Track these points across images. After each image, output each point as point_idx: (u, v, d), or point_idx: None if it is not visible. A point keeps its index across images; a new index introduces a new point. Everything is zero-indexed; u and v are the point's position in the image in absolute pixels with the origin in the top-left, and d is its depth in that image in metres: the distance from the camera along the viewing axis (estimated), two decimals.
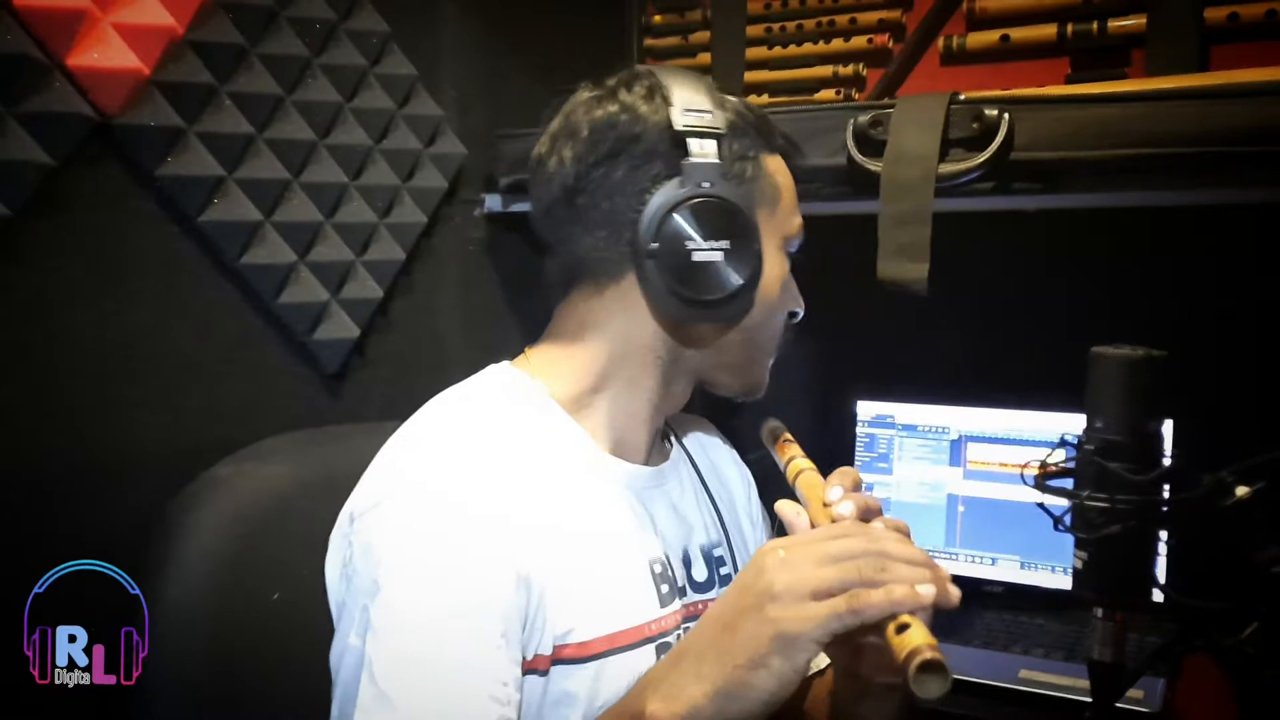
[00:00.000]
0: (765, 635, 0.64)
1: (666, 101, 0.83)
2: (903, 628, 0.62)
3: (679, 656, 0.70)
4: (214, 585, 0.91)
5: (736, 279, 0.82)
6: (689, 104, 0.83)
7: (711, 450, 1.05)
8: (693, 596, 0.88)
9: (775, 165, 0.88)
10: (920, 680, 0.58)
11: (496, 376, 0.88)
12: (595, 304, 0.86)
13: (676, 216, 0.80)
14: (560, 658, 0.77)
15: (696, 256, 0.80)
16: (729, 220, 0.81)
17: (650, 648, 0.82)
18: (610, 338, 0.86)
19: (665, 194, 0.80)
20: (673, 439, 0.99)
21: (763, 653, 0.64)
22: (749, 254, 0.82)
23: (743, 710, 0.65)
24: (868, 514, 0.78)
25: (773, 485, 0.91)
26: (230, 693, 0.90)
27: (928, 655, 0.57)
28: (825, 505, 0.77)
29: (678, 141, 0.81)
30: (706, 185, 0.81)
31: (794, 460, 0.87)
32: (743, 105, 0.88)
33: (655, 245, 0.80)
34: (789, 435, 0.92)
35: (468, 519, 0.74)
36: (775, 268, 0.87)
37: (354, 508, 0.79)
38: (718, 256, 0.81)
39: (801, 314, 0.93)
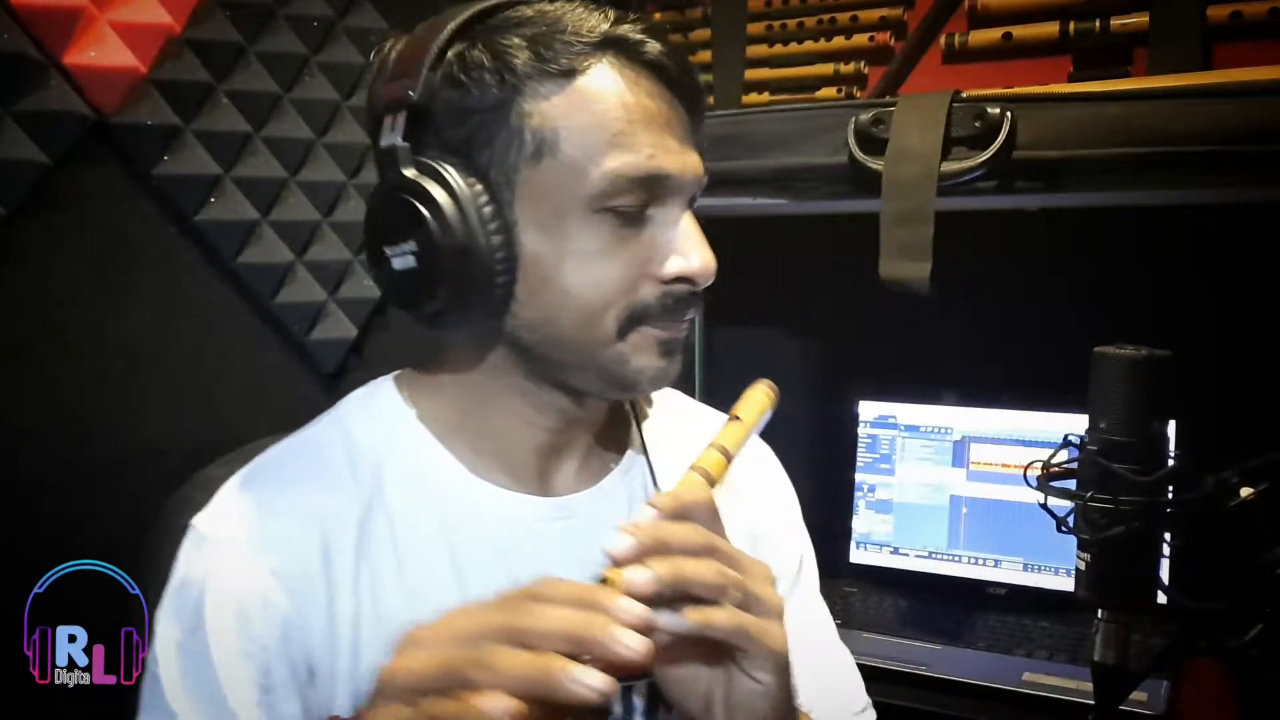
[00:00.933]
0: None
1: (380, 71, 0.70)
2: None
3: None
4: None
5: (435, 291, 0.67)
6: (397, 68, 0.69)
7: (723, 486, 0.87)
8: None
9: (551, 102, 0.66)
10: None
11: (363, 401, 0.78)
12: None
13: (366, 219, 0.70)
14: None
15: (396, 264, 0.68)
16: (408, 218, 0.66)
17: None
18: (441, 353, 0.77)
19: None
20: (636, 460, 0.82)
21: None
22: (445, 253, 0.66)
23: None
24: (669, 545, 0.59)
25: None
26: None
27: None
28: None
29: (374, 124, 0.69)
30: (389, 177, 0.67)
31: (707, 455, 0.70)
32: (492, 39, 0.67)
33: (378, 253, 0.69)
34: (739, 415, 0.74)
35: (242, 589, 0.67)
36: (562, 241, 0.67)
37: None
38: (409, 262, 0.67)
39: (693, 276, 0.70)
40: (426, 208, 0.65)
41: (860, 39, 1.55)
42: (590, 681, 0.49)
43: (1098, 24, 1.36)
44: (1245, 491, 0.66)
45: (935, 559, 1.46)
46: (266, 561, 0.67)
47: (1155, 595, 0.70)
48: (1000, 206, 1.14)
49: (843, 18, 1.56)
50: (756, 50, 1.60)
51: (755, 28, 1.60)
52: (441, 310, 0.68)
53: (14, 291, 0.96)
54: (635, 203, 0.68)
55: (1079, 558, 0.70)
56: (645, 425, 0.85)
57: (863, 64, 1.55)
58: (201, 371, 1.11)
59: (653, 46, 0.68)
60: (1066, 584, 1.35)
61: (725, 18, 1.53)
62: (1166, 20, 1.28)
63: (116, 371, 1.04)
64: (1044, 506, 0.72)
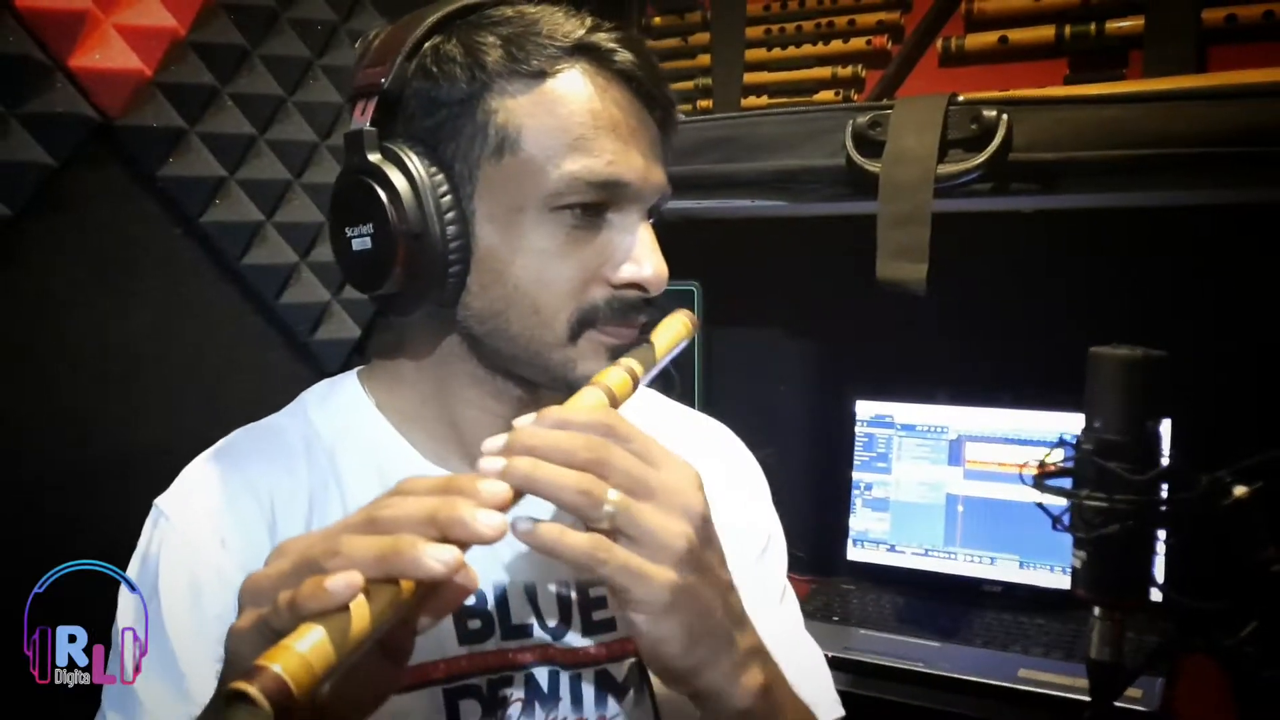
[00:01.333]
0: None
1: (360, 63, 0.72)
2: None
3: None
4: None
5: (387, 272, 0.67)
6: (374, 57, 0.70)
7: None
8: (540, 638, 0.74)
9: (518, 101, 0.67)
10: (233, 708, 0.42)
11: (324, 391, 0.80)
12: None
13: (331, 199, 0.71)
14: None
15: (355, 245, 0.69)
16: (367, 200, 0.67)
17: (435, 691, 0.70)
18: (399, 339, 0.77)
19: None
20: None
21: None
22: (400, 238, 0.66)
23: None
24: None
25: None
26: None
27: (237, 684, 0.42)
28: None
29: (351, 109, 0.70)
30: (354, 160, 0.68)
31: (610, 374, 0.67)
32: (468, 35, 0.68)
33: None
34: (653, 339, 0.71)
35: (192, 558, 0.69)
36: (517, 237, 0.68)
37: None
38: (366, 244, 0.68)
39: (645, 284, 0.70)
40: (385, 192, 0.66)
41: (858, 42, 1.55)
42: (441, 555, 0.48)
43: (1093, 27, 1.37)
44: (1239, 490, 0.66)
45: (932, 557, 1.47)
46: (217, 534, 0.69)
47: (1150, 593, 0.71)
48: (996, 208, 1.14)
49: (840, 21, 1.57)
50: (755, 54, 1.61)
51: (754, 31, 1.60)
52: (394, 294, 0.69)
53: (18, 292, 0.96)
54: (592, 202, 0.68)
55: (1074, 556, 0.71)
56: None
57: (860, 67, 1.55)
58: (205, 372, 1.11)
59: (624, 56, 0.69)
60: (1062, 581, 1.36)
61: (724, 21, 1.54)
62: (1161, 23, 1.28)
63: (119, 372, 1.04)
64: (1040, 505, 0.73)
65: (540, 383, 0.73)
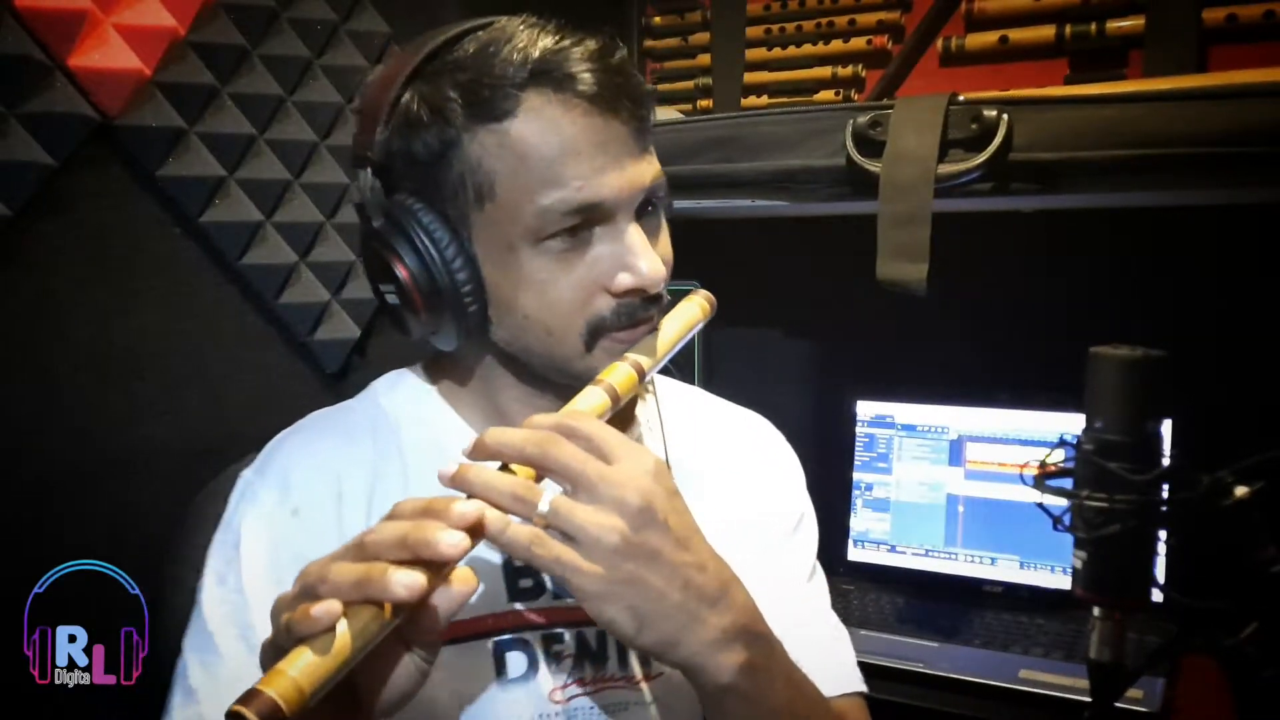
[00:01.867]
0: None
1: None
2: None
3: None
4: None
5: (419, 319, 0.75)
6: (360, 121, 0.75)
7: (725, 452, 0.92)
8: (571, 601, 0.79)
9: (485, 148, 0.71)
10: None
11: (391, 380, 0.87)
12: None
13: (363, 260, 0.79)
14: None
15: (388, 299, 0.76)
16: (384, 262, 0.74)
17: (485, 644, 0.76)
18: (450, 356, 0.84)
19: None
20: (651, 435, 0.87)
21: None
22: (414, 294, 0.73)
23: None
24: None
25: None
26: None
27: (235, 707, 0.49)
28: None
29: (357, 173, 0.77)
30: (364, 227, 0.76)
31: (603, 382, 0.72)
32: (432, 92, 0.72)
33: None
34: (660, 326, 0.76)
35: (277, 525, 0.77)
36: (515, 272, 0.73)
37: None
38: (394, 298, 0.75)
39: (642, 286, 0.73)
40: (395, 257, 0.73)
41: (858, 42, 1.55)
42: (404, 580, 0.55)
43: (1094, 27, 1.37)
44: (1240, 490, 0.66)
45: (932, 557, 1.47)
46: (290, 504, 0.77)
47: (1151, 593, 0.71)
48: (997, 208, 1.14)
49: (841, 21, 1.57)
50: (755, 54, 1.61)
51: (754, 31, 1.60)
52: (430, 333, 0.77)
53: (18, 292, 0.96)
54: (572, 226, 0.72)
55: (1075, 556, 0.71)
56: (660, 405, 0.90)
57: (860, 67, 1.55)
58: (205, 372, 1.11)
59: (581, 77, 0.70)
60: (1063, 582, 1.36)
61: (724, 21, 1.54)
62: (1162, 23, 1.28)
63: (120, 372, 1.04)
64: (1040, 505, 0.73)
65: (574, 387, 0.75)
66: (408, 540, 0.56)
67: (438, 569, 0.57)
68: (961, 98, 1.08)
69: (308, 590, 0.56)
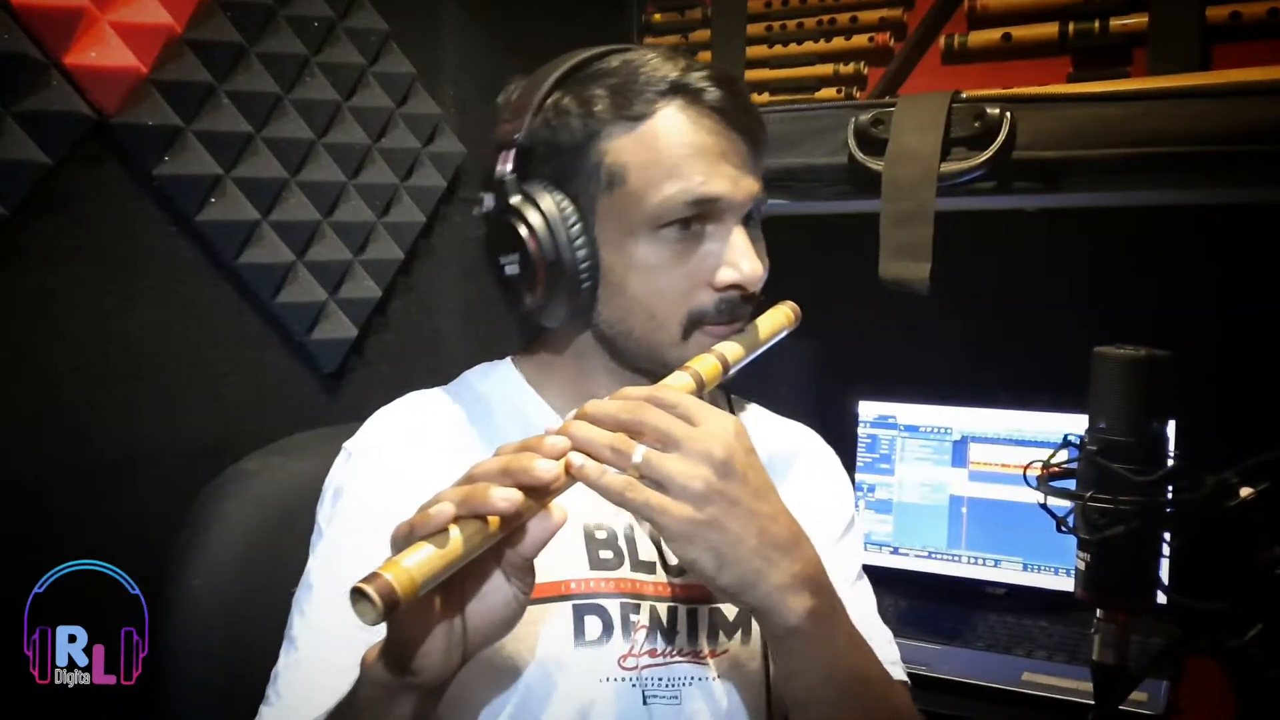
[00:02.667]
0: None
1: (501, 111, 0.87)
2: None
3: None
4: (236, 575, 0.94)
5: (534, 291, 0.82)
6: (509, 112, 0.85)
7: (778, 460, 0.97)
8: (661, 575, 0.87)
9: (622, 143, 0.81)
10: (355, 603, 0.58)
11: (484, 367, 0.95)
12: None
13: (484, 233, 0.85)
14: None
15: (507, 270, 0.83)
16: (513, 235, 0.82)
17: (565, 605, 0.82)
18: (546, 340, 0.92)
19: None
20: None
21: None
22: (538, 265, 0.81)
23: None
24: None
25: None
26: (249, 677, 0.90)
27: (358, 584, 0.57)
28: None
29: (498, 156, 0.84)
30: (494, 202, 0.83)
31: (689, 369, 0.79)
32: (581, 90, 0.83)
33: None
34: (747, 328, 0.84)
35: (382, 491, 0.82)
36: (631, 256, 0.82)
37: None
38: (515, 269, 0.82)
39: (742, 283, 0.82)
40: (526, 229, 0.81)
41: (860, 39, 1.55)
42: (505, 494, 0.61)
43: (1097, 25, 1.36)
44: (1244, 491, 0.66)
45: (935, 559, 1.47)
46: (392, 470, 0.84)
47: (1154, 595, 0.71)
48: (1000, 207, 1.14)
49: (842, 18, 1.57)
50: (756, 51, 1.60)
51: (755, 28, 1.60)
52: (539, 307, 0.83)
53: (15, 291, 0.96)
54: (689, 218, 0.81)
55: (1078, 558, 0.70)
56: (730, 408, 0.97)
57: (862, 64, 1.55)
58: (202, 371, 1.11)
59: (712, 93, 0.82)
60: (1066, 584, 1.35)
61: (725, 18, 1.53)
62: (1165, 21, 1.28)
63: (117, 371, 1.03)
64: (1043, 506, 0.72)
65: (660, 375, 0.82)
66: (509, 467, 0.63)
67: (537, 497, 0.64)
68: (964, 96, 1.08)
69: (423, 510, 0.62)
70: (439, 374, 0.95)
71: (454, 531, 0.61)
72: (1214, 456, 0.69)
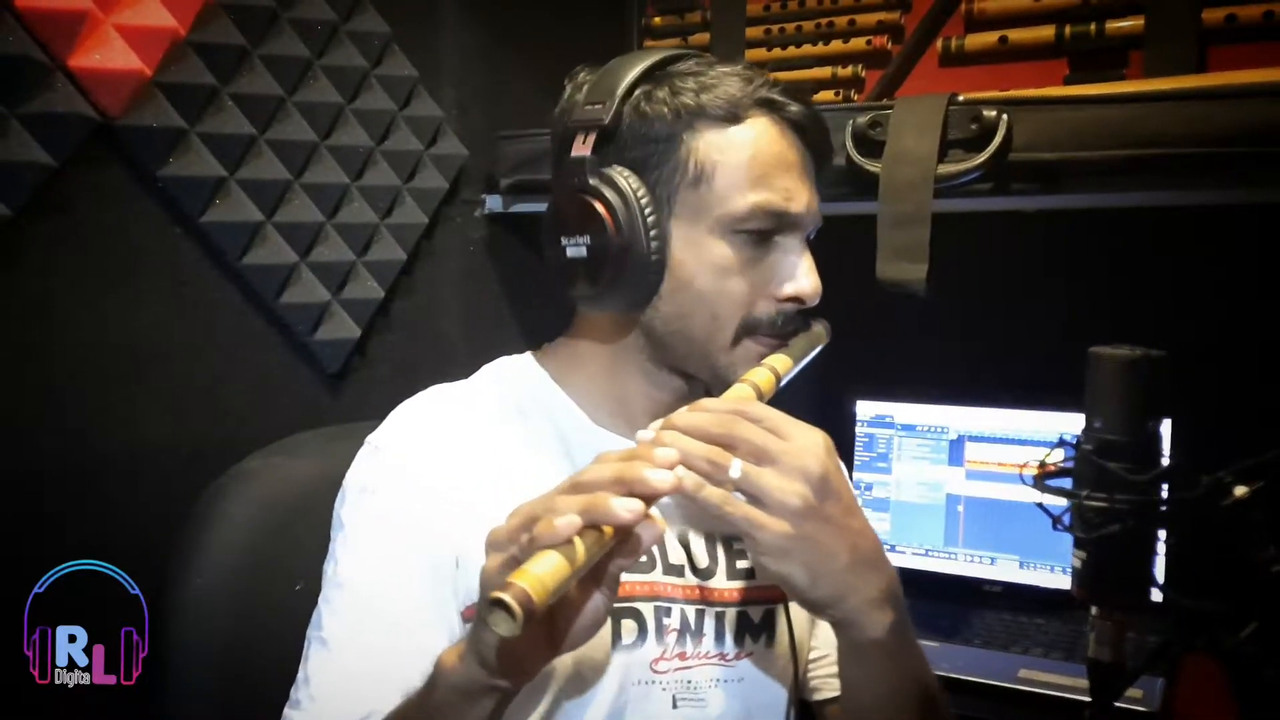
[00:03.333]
0: None
1: (574, 95, 0.86)
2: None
3: None
4: (237, 575, 0.94)
5: (603, 272, 0.81)
6: (592, 95, 0.83)
7: None
8: (690, 578, 0.87)
9: (713, 141, 0.82)
10: (491, 613, 0.58)
11: (506, 361, 0.94)
12: None
13: (549, 213, 0.84)
14: None
15: (569, 252, 0.82)
16: (587, 216, 0.81)
17: None
18: (583, 326, 0.91)
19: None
20: None
21: None
22: (612, 248, 0.80)
23: None
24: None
25: None
26: (249, 677, 0.92)
27: (495, 594, 0.57)
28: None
29: (566, 137, 0.83)
30: (575, 181, 0.81)
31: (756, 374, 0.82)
32: (673, 82, 0.83)
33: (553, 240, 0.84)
34: (790, 345, 0.85)
35: (410, 490, 0.81)
36: (704, 253, 0.82)
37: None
38: (581, 252, 0.81)
39: (803, 296, 0.85)
40: (604, 209, 0.80)
41: (858, 42, 1.55)
42: (628, 505, 0.61)
43: (1093, 27, 1.37)
44: (1240, 490, 0.66)
45: (932, 557, 1.47)
46: (420, 472, 0.82)
47: (1150, 593, 0.71)
48: (997, 208, 1.14)
49: (840, 21, 1.57)
50: (755, 54, 1.60)
51: (754, 31, 1.60)
52: (599, 294, 0.82)
53: (19, 293, 0.96)
54: (766, 229, 0.82)
55: (1074, 556, 0.71)
56: None
57: (860, 67, 1.55)
58: (205, 372, 1.11)
59: (795, 109, 0.83)
60: (1062, 582, 1.36)
61: (724, 21, 1.54)
62: (1162, 23, 1.28)
63: (120, 372, 1.04)
64: (1040, 505, 0.73)
65: (703, 379, 0.87)
66: (624, 477, 0.63)
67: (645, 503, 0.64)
68: (961, 98, 1.08)
69: (535, 518, 0.61)
70: (442, 374, 0.96)
71: (575, 540, 0.61)
72: (1210, 456, 0.69)
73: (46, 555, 0.96)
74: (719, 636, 0.86)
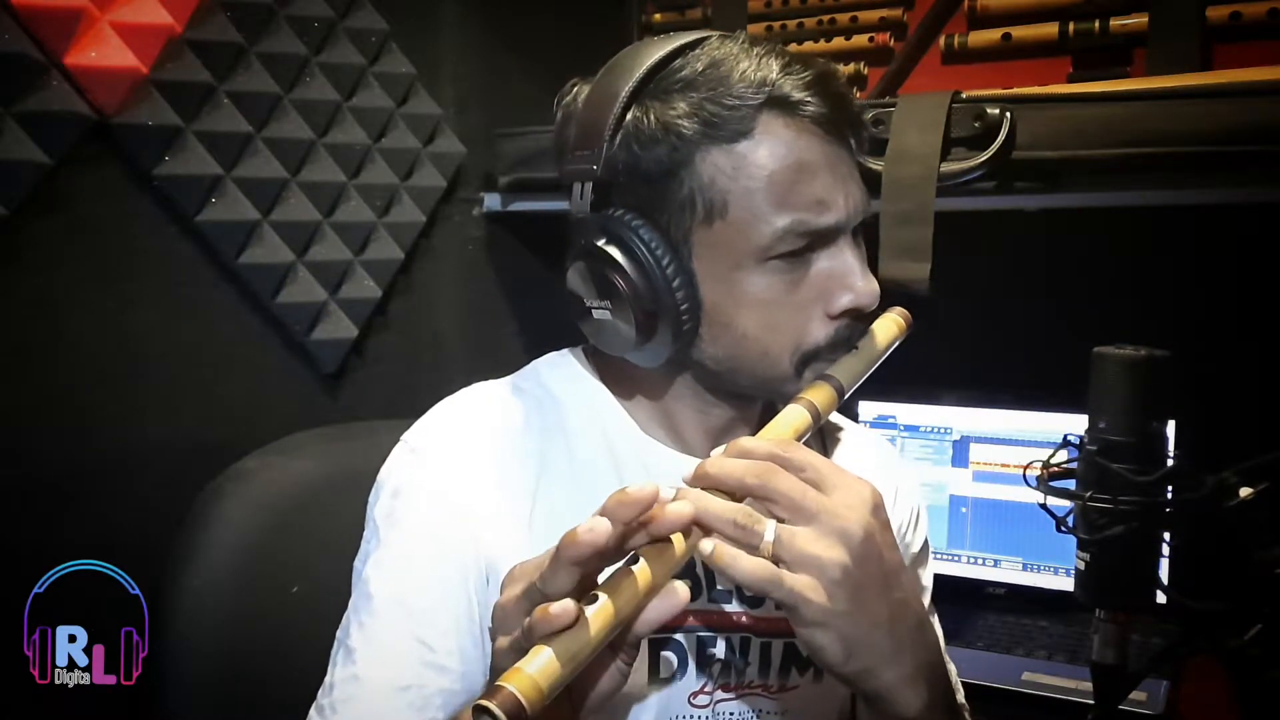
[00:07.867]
0: None
1: (565, 129, 0.78)
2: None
3: None
4: (236, 574, 0.93)
5: (627, 335, 0.74)
6: (580, 138, 0.75)
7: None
8: (737, 606, 0.81)
9: (720, 166, 0.72)
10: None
11: (554, 360, 0.87)
12: None
13: (568, 272, 0.76)
14: None
15: (595, 315, 0.75)
16: (599, 279, 0.73)
17: (643, 641, 0.78)
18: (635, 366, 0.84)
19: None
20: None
21: None
22: (636, 310, 0.73)
23: None
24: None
25: None
26: (249, 676, 0.91)
27: (481, 701, 0.52)
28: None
29: (565, 184, 0.77)
30: (582, 243, 0.74)
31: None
32: (663, 108, 0.72)
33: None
34: (858, 345, 0.77)
35: (442, 500, 0.76)
36: (737, 291, 0.74)
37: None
38: (606, 315, 0.74)
39: (860, 307, 0.76)
40: (617, 275, 0.72)
41: (860, 40, 1.55)
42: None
43: (1097, 25, 1.36)
44: (1244, 491, 0.66)
45: (935, 558, 1.46)
46: (455, 475, 0.77)
47: (1154, 595, 0.70)
48: (1000, 207, 1.13)
49: (843, 19, 1.57)
50: None
51: (755, 28, 1.60)
52: (638, 351, 0.75)
53: (15, 292, 0.96)
54: (801, 249, 0.73)
55: (1078, 557, 0.70)
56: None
57: (863, 65, 1.55)
58: (202, 372, 1.11)
59: (812, 103, 0.72)
60: (1066, 584, 1.35)
61: (725, 19, 1.53)
62: (1166, 21, 1.28)
63: (117, 371, 1.04)
64: (1043, 506, 0.72)
65: (762, 398, 0.82)
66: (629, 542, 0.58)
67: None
68: (964, 95, 1.07)
69: (536, 591, 0.57)
70: (439, 374, 0.96)
71: (584, 616, 0.56)
72: (1214, 457, 0.69)
73: (46, 555, 0.96)
74: (764, 667, 0.81)
